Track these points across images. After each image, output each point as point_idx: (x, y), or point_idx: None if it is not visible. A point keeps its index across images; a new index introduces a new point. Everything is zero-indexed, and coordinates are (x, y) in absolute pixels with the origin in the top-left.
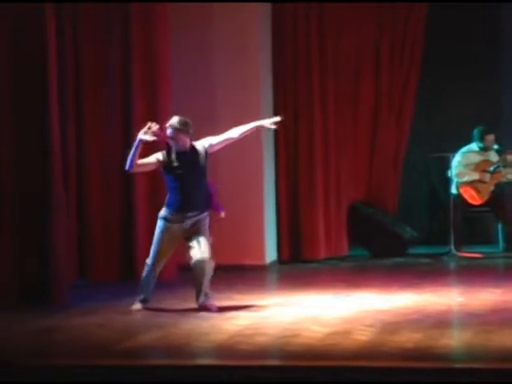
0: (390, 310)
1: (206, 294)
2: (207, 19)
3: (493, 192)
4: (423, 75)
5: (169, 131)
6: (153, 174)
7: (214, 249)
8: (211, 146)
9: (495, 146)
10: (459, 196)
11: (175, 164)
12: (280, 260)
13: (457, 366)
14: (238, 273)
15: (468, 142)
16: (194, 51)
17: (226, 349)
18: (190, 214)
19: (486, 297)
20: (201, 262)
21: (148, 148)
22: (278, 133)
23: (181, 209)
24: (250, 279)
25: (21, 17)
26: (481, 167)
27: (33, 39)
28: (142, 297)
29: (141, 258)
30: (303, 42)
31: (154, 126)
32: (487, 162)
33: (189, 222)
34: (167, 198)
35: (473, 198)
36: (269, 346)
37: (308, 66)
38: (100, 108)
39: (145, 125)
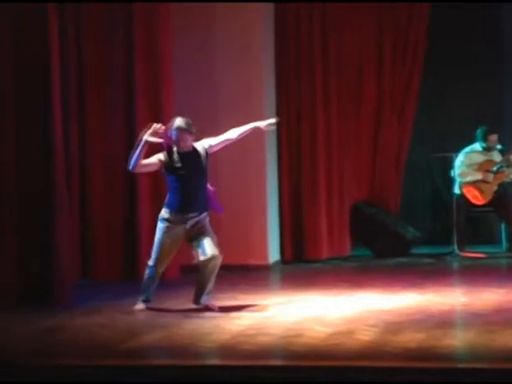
0: (393, 310)
1: (209, 293)
2: (210, 19)
3: (496, 192)
4: (426, 75)
5: (174, 132)
6: (156, 174)
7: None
8: (211, 146)
9: (498, 146)
10: (462, 196)
11: (178, 165)
12: (283, 260)
13: (460, 366)
14: (240, 273)
15: (471, 141)
16: (197, 51)
17: (229, 349)
18: (190, 215)
19: (489, 297)
20: (214, 259)
21: (149, 148)
22: (281, 133)
23: (182, 209)
24: (252, 279)
25: (24, 17)
26: (484, 167)
27: (36, 39)
28: (144, 297)
29: (144, 258)
30: (306, 42)
31: (160, 128)
32: (490, 161)
33: (189, 223)
34: (168, 198)
35: (476, 197)
36: (272, 346)
37: (311, 66)
38: (103, 108)
39: (149, 126)
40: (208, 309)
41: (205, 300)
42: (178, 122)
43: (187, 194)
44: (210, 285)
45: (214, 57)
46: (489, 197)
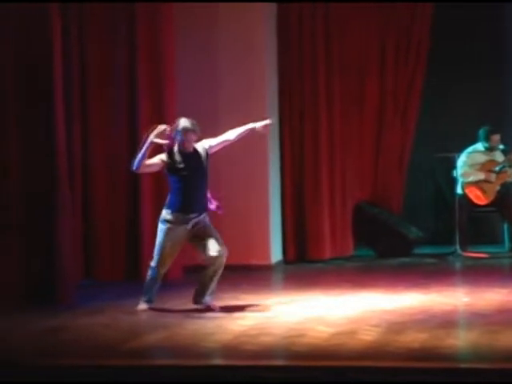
0: (396, 309)
1: (211, 294)
2: (212, 19)
3: (498, 192)
4: (428, 75)
5: (180, 132)
6: (158, 175)
7: None
8: (211, 147)
9: (501, 146)
10: (465, 196)
11: (180, 165)
12: (285, 260)
13: (462, 366)
14: (243, 273)
15: (473, 141)
16: (200, 51)
17: (232, 349)
18: (191, 216)
19: (491, 297)
20: (221, 256)
21: (151, 149)
22: (284, 133)
23: (184, 210)
24: (255, 279)
25: (26, 17)
26: (486, 167)
27: (38, 39)
28: (146, 297)
29: (146, 258)
30: (309, 42)
31: (165, 129)
32: (493, 161)
33: (190, 224)
34: (169, 199)
35: (478, 198)
36: (274, 346)
37: (313, 66)
38: (106, 108)
39: (155, 127)
40: (209, 309)
41: (207, 300)
42: (184, 122)
43: (189, 194)
44: (213, 284)
45: (217, 57)
46: (491, 197)
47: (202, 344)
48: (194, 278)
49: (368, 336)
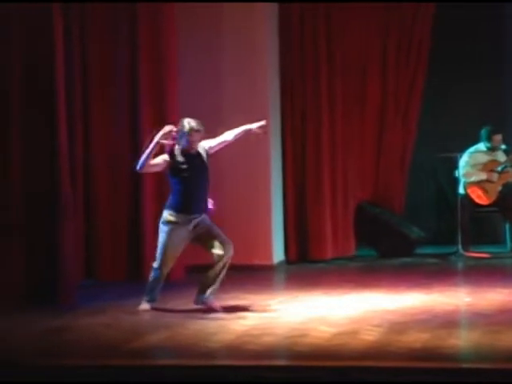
0: (398, 310)
1: (213, 293)
2: (214, 19)
3: (500, 192)
4: (430, 75)
5: (188, 133)
6: (160, 175)
7: None
8: (210, 148)
9: (503, 146)
10: (467, 196)
11: (184, 166)
12: (287, 260)
13: (464, 366)
14: (245, 273)
15: (475, 141)
16: (202, 52)
17: (234, 349)
18: (193, 216)
19: (493, 297)
20: (229, 251)
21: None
22: (286, 133)
23: (186, 211)
24: (257, 279)
25: (28, 17)
26: (488, 167)
27: (40, 39)
28: (148, 297)
29: (148, 258)
30: (310, 42)
31: (174, 130)
32: (495, 161)
33: (192, 224)
34: (171, 200)
35: (480, 198)
36: (276, 346)
37: (315, 67)
38: (107, 108)
39: (160, 127)
40: (212, 309)
41: (209, 300)
42: (192, 123)
43: (191, 194)
44: (217, 283)
45: (219, 57)
46: (493, 197)
47: (204, 344)
48: (196, 278)
49: (370, 336)
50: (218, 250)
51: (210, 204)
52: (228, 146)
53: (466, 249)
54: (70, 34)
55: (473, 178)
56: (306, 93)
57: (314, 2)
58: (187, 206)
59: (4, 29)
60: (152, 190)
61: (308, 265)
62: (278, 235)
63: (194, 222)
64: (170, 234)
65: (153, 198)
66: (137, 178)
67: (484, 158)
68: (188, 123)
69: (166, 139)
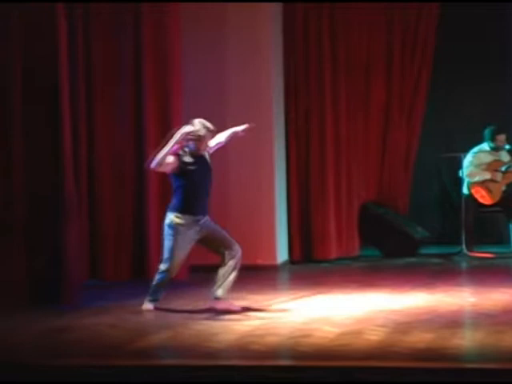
0: (402, 310)
1: (227, 292)
2: (218, 19)
3: (504, 192)
4: (434, 75)
5: (203, 133)
6: (164, 174)
7: None
8: (210, 148)
9: (507, 146)
10: (471, 196)
11: (192, 167)
12: (291, 260)
13: (469, 366)
14: (249, 273)
15: (479, 141)
16: (206, 51)
17: (238, 349)
18: (200, 217)
19: (497, 297)
20: (239, 251)
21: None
22: (290, 132)
23: (193, 212)
24: (261, 279)
25: (32, 16)
26: (492, 167)
27: (44, 39)
28: (152, 297)
29: (152, 258)
30: (314, 42)
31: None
32: (499, 161)
33: (199, 225)
34: (175, 201)
35: (484, 198)
36: (280, 346)
37: (319, 66)
38: (111, 107)
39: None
40: (229, 311)
41: (224, 301)
42: (206, 124)
43: (197, 195)
44: (229, 281)
45: (223, 57)
46: (497, 197)
47: (208, 344)
48: (200, 278)
49: (374, 336)
50: (227, 251)
51: None
52: (231, 147)
53: (469, 249)
54: (73, 33)
55: (477, 178)
56: (310, 92)
57: (318, 1)
58: (193, 206)
59: (7, 29)
60: (156, 189)
61: (312, 265)
62: (281, 235)
63: (200, 223)
64: (177, 238)
65: (157, 197)
66: (141, 177)
67: (488, 158)
68: (204, 124)
69: (184, 140)
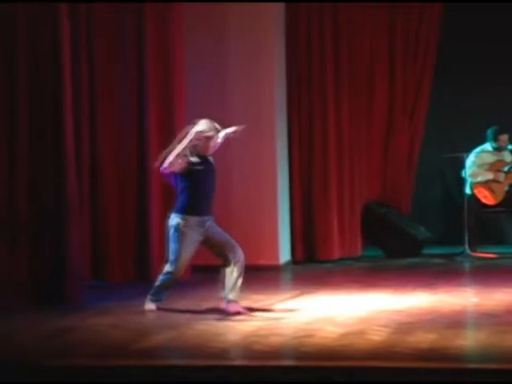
0: (405, 310)
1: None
2: (222, 21)
3: (507, 192)
4: (437, 75)
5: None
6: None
7: None
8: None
9: (509, 146)
10: (473, 196)
11: (199, 167)
12: (294, 260)
13: (471, 366)
14: (252, 273)
15: (482, 142)
16: (208, 53)
17: (241, 349)
18: (206, 218)
19: (500, 297)
20: (242, 256)
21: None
22: (292, 133)
23: (200, 212)
24: (264, 279)
25: (35, 17)
26: (495, 167)
27: (47, 39)
28: (155, 298)
29: (155, 259)
30: (317, 43)
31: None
32: (501, 162)
33: (203, 227)
34: (181, 203)
35: (487, 198)
36: (283, 347)
37: (322, 67)
38: (114, 108)
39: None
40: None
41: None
42: (215, 124)
43: (203, 196)
44: (237, 284)
45: (225, 60)
46: (500, 197)
47: (211, 344)
48: (203, 278)
49: (377, 336)
50: (230, 253)
51: None
52: (234, 147)
53: (472, 249)
54: (76, 33)
55: (479, 178)
56: (313, 93)
57: (321, 1)
58: (199, 207)
59: (11, 29)
60: (159, 189)
61: (314, 265)
62: (284, 235)
63: (206, 224)
64: (184, 240)
65: (160, 198)
66: (144, 177)
67: (490, 158)
68: (212, 125)
69: (197, 140)
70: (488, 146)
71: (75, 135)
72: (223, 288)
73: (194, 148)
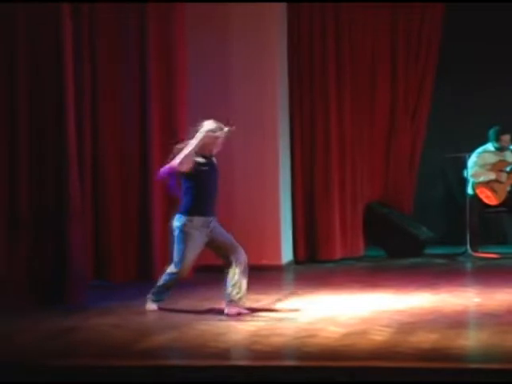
0: (407, 310)
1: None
2: (224, 21)
3: (509, 192)
4: (439, 75)
5: (219, 134)
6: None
7: None
8: None
9: (511, 146)
10: (475, 196)
11: (205, 167)
12: (296, 260)
13: (473, 366)
14: (254, 273)
15: (484, 142)
16: (211, 53)
17: (242, 349)
18: (210, 218)
19: (502, 297)
20: (245, 259)
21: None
22: (295, 133)
23: (205, 213)
24: (266, 279)
25: (38, 17)
26: (497, 167)
27: (49, 39)
28: (157, 298)
29: (158, 259)
30: (319, 43)
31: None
32: (503, 162)
33: (208, 228)
34: (186, 203)
35: (489, 198)
36: (285, 347)
37: (324, 67)
38: (116, 107)
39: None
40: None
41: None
42: (220, 124)
43: (207, 196)
44: (243, 284)
45: (228, 60)
46: (502, 197)
47: (213, 344)
48: (205, 278)
49: (379, 336)
50: (232, 255)
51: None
52: (237, 147)
53: (474, 249)
54: (79, 33)
55: (481, 179)
56: (315, 93)
57: (323, 2)
58: (204, 207)
59: (12, 29)
60: (162, 190)
61: (317, 265)
62: (286, 235)
63: (210, 224)
64: (189, 240)
65: (163, 198)
66: (146, 177)
67: (492, 158)
68: (218, 126)
69: (207, 139)
70: (490, 146)
71: (77, 135)
72: (226, 289)
73: (200, 148)
